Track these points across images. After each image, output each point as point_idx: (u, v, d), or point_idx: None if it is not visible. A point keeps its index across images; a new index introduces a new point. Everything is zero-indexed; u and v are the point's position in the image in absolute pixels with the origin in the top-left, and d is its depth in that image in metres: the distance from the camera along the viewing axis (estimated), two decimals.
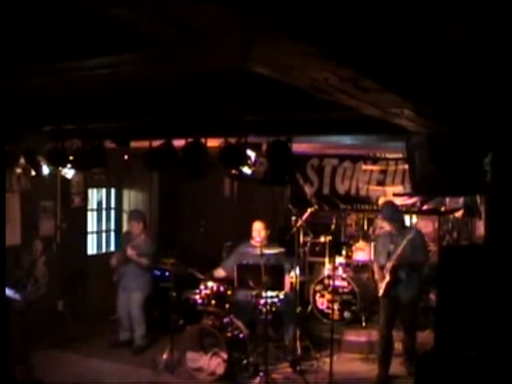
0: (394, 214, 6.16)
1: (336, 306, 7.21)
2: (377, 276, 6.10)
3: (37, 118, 5.02)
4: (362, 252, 8.02)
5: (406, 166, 5.88)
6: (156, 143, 5.25)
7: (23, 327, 5.54)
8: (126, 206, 9.07)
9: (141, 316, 7.09)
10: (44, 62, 2.86)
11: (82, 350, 6.87)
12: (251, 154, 4.97)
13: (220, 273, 6.76)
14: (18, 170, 6.41)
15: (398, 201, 8.13)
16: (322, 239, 7.79)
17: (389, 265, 5.87)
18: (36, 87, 3.83)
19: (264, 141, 4.99)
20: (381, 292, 5.97)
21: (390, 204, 6.59)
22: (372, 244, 7.99)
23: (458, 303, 3.33)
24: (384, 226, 6.31)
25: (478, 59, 2.39)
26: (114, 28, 2.24)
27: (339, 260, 7.63)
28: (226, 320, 6.18)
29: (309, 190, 8.68)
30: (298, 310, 7.12)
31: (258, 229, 6.76)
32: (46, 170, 6.14)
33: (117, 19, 1.43)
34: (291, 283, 6.85)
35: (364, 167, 8.54)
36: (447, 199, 7.69)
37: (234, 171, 5.11)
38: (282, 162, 4.82)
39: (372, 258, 6.49)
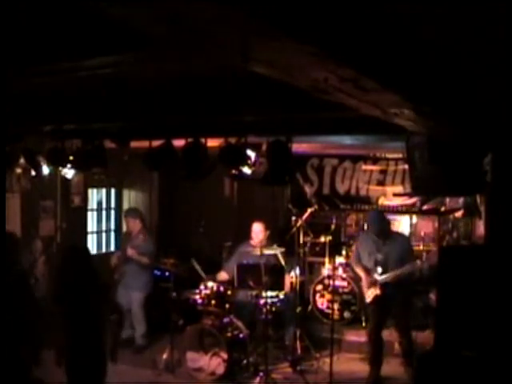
0: (379, 223, 6.08)
1: (336, 306, 7.20)
2: (364, 281, 6.04)
3: (37, 117, 5.02)
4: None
5: (406, 166, 5.87)
6: (156, 143, 5.24)
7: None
8: (126, 206, 9.06)
9: (141, 315, 7.12)
10: (44, 61, 2.86)
11: None
12: (251, 153, 4.96)
13: (223, 276, 6.76)
14: (18, 170, 6.40)
15: (398, 201, 8.14)
16: (322, 239, 7.79)
17: (379, 278, 5.85)
18: (36, 87, 3.83)
19: (264, 141, 4.98)
20: (368, 300, 5.98)
21: (374, 213, 6.56)
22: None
23: (457, 303, 3.33)
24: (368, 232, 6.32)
25: (478, 59, 2.39)
26: (114, 28, 2.24)
27: (339, 260, 7.63)
28: (225, 320, 6.18)
29: (309, 190, 8.68)
30: (298, 309, 7.12)
31: (257, 230, 6.75)
32: (46, 169, 6.13)
33: (117, 19, 1.43)
34: (291, 283, 6.85)
35: (364, 167, 8.54)
36: (447, 199, 7.69)
37: (233, 171, 5.10)
38: (282, 162, 4.82)
39: (352, 258, 6.42)
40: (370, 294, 5.94)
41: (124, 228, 8.85)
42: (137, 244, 7.06)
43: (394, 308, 5.94)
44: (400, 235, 6.48)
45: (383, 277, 5.84)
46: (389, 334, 6.31)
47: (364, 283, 6.05)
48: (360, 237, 6.72)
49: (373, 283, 5.90)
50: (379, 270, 5.88)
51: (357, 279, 7.60)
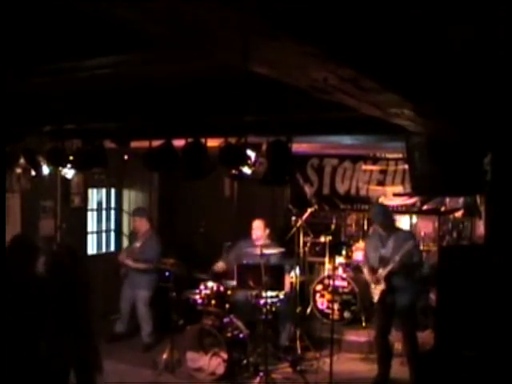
0: (383, 216, 6.01)
1: (336, 306, 7.20)
2: (369, 279, 5.98)
3: (37, 117, 5.02)
4: (362, 252, 8.01)
5: (406, 166, 5.87)
6: (156, 143, 5.25)
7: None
8: (126, 206, 9.07)
9: (147, 314, 7.17)
10: (44, 62, 2.86)
11: None
12: (251, 153, 4.96)
13: (220, 266, 6.79)
14: (18, 170, 6.40)
15: (398, 201, 8.14)
16: (322, 239, 7.80)
17: (383, 272, 5.73)
18: (36, 87, 3.83)
19: (264, 141, 4.98)
20: (376, 298, 5.87)
21: (378, 206, 6.51)
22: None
23: (457, 303, 3.33)
24: (375, 227, 6.25)
25: (478, 59, 2.39)
26: (114, 28, 2.24)
27: (339, 260, 7.63)
28: (225, 320, 6.18)
29: (309, 190, 8.68)
30: (298, 310, 7.12)
31: (256, 227, 6.77)
32: (46, 169, 6.13)
33: (117, 19, 1.43)
34: (291, 283, 6.84)
35: (364, 167, 8.54)
36: (447, 199, 7.69)
37: (233, 171, 5.10)
38: (282, 162, 4.82)
39: (363, 259, 6.38)
40: (376, 292, 5.83)
41: (125, 228, 8.90)
42: (141, 246, 7.09)
43: (399, 310, 5.80)
44: (405, 232, 6.36)
45: (387, 269, 5.70)
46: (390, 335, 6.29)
47: (370, 281, 5.96)
48: (368, 236, 6.66)
49: (378, 279, 5.79)
50: (383, 264, 5.76)
51: (358, 280, 7.62)
